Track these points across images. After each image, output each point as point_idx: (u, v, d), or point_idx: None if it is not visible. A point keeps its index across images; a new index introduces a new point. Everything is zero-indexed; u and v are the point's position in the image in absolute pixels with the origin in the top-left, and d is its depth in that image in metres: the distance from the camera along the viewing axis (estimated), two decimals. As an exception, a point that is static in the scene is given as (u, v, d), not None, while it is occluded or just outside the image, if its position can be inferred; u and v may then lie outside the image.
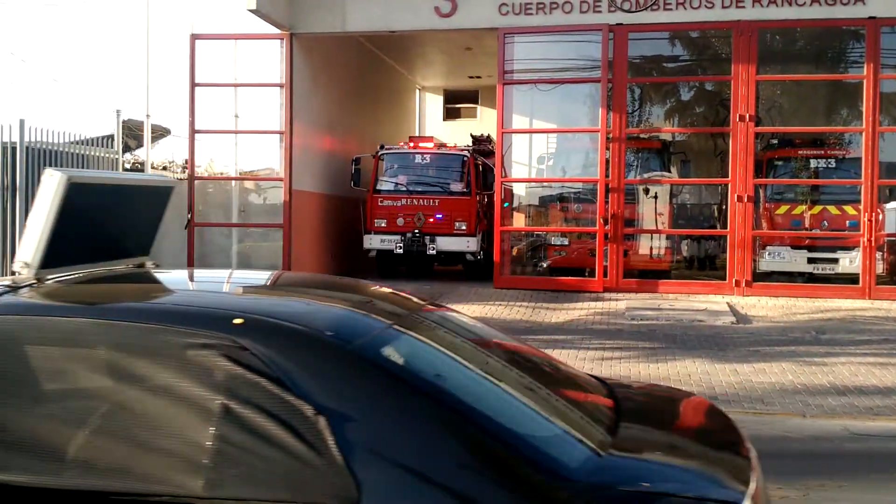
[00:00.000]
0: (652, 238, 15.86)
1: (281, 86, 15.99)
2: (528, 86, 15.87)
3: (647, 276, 15.18)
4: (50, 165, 14.33)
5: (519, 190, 16.97)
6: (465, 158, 16.77)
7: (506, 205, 15.65)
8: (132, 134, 17.78)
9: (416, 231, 16.26)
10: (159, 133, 19.20)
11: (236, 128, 16.44)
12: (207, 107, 16.29)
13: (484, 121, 23.06)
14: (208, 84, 16.36)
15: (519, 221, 16.79)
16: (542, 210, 17.03)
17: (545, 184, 17.20)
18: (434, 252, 16.21)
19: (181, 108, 23.80)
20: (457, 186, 16.69)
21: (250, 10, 14.73)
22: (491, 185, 16.00)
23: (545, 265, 16.22)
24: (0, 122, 13.90)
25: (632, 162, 16.10)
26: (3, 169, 13.86)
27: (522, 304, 13.94)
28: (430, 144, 17.58)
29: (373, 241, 16.55)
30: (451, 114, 24.35)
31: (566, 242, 16.09)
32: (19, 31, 44.95)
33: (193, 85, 16.06)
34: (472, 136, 19.47)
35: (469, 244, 16.28)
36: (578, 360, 10.25)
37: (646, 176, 15.96)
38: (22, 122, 13.82)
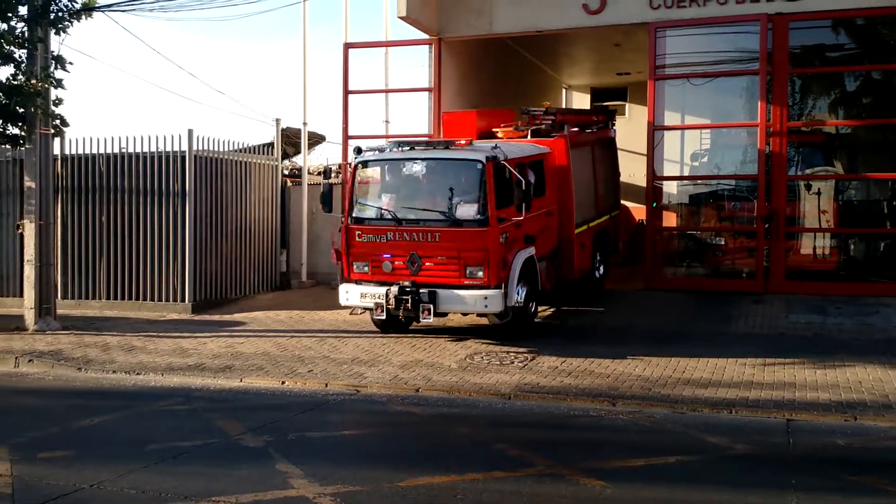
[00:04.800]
0: (815, 237, 15.04)
1: (429, 90, 16.24)
2: (680, 80, 15.36)
3: (810, 277, 14.40)
4: (215, 173, 15.20)
5: (669, 188, 16.43)
6: (481, 166, 10.87)
7: (654, 205, 15.25)
8: (290, 141, 18.54)
9: (407, 283, 10.98)
10: (315, 140, 19.91)
11: (387, 133, 16.83)
12: (359, 113, 16.80)
13: (633, 118, 22.55)
14: (360, 91, 16.83)
15: (670, 221, 16.24)
16: (695, 209, 16.43)
17: (698, 181, 16.57)
18: (430, 319, 10.99)
19: (335, 114, 24.56)
20: (467, 210, 10.93)
21: (400, 18, 15.07)
22: (523, 203, 11.01)
23: (699, 266, 15.65)
24: (171, 132, 14.87)
25: (792, 157, 15.31)
26: (174, 176, 14.76)
27: (676, 307, 13.55)
28: (441, 144, 11.93)
29: (350, 296, 11.47)
30: (598, 112, 23.92)
31: (722, 242, 15.49)
32: (188, 48, 47.88)
33: (347, 92, 16.55)
34: (523, 111, 13.96)
35: (488, 302, 10.81)
36: (738, 366, 9.86)
37: (808, 171, 15.13)
38: (190, 132, 14.70)
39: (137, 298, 14.95)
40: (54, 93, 13.23)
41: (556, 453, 7.00)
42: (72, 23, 13.20)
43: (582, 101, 24.41)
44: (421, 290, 10.86)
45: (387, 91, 16.81)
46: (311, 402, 8.91)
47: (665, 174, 15.74)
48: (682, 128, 16.53)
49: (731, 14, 14.41)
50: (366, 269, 11.43)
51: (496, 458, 6.91)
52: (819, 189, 14.81)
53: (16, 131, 13.23)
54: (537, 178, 11.94)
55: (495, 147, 11.35)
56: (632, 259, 17.52)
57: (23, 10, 12.85)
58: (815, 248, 15.00)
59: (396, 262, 11.15)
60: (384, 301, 11.02)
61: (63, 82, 13.23)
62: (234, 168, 15.77)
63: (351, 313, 12.76)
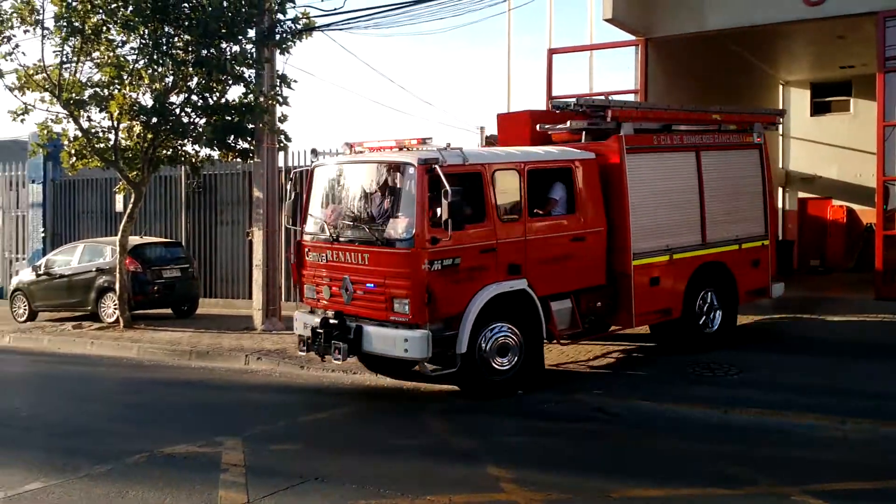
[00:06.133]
0: None
1: (635, 92, 15.92)
2: (913, 71, 14.12)
3: None
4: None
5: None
6: (412, 171, 8.74)
7: (885, 207, 14.06)
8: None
9: (330, 314, 9.33)
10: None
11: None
12: (563, 119, 16.69)
13: (858, 114, 21.02)
14: (564, 96, 16.74)
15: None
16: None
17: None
18: (339, 359, 9.15)
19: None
20: (397, 227, 8.88)
21: (606, 20, 14.92)
22: (450, 221, 8.34)
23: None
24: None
25: None
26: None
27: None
28: (388, 144, 9.70)
29: (298, 325, 9.98)
30: (819, 109, 22.48)
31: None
32: (394, 59, 49.93)
33: (550, 98, 16.55)
34: (555, 105, 11.29)
35: (408, 346, 8.57)
36: None
37: None
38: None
39: (352, 302, 15.65)
40: (279, 109, 14.19)
41: (779, 471, 6.61)
42: (294, 43, 14.11)
43: (801, 98, 23.05)
44: (348, 324, 9.00)
45: (591, 95, 16.61)
46: (520, 405, 8.95)
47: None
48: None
49: (977, -4, 13.08)
50: (312, 294, 9.81)
51: (713, 473, 6.61)
52: None
53: (245, 146, 14.32)
54: (567, 192, 9.82)
55: (445, 149, 8.92)
56: (860, 266, 16.31)
57: (251, 33, 13.91)
58: None
59: (334, 288, 9.36)
60: (311, 334, 9.34)
61: (288, 99, 14.17)
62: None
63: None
